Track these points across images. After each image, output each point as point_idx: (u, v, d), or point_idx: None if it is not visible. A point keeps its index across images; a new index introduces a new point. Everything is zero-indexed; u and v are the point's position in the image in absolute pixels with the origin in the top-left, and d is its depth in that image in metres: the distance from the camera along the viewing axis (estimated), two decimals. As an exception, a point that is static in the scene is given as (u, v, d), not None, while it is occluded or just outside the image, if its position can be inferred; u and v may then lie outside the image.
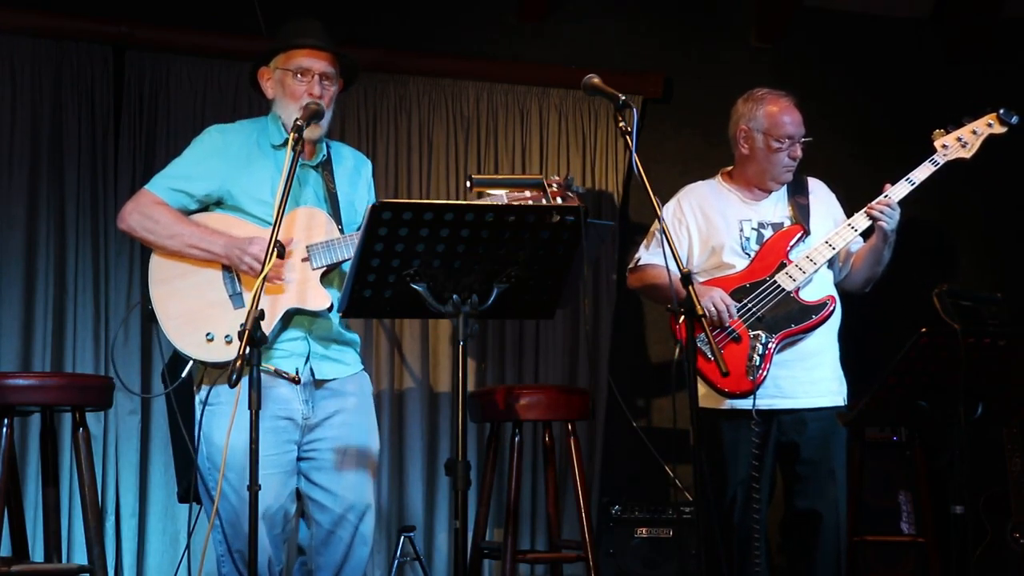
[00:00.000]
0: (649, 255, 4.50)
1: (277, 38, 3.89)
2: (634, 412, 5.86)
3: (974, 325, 4.28)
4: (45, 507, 4.20)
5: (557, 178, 3.84)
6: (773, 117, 4.42)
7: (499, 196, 3.73)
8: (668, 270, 3.48)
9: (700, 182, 4.61)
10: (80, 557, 4.62)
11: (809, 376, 4.34)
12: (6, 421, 3.98)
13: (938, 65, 6.31)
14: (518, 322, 5.73)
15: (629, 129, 3.42)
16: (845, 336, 4.54)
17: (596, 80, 3.60)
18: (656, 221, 4.52)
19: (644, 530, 5.44)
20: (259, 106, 4.07)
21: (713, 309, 4.22)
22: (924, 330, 4.01)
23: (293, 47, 3.80)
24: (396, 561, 5.39)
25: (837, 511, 4.33)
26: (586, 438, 5.50)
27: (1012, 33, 6.30)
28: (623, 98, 3.46)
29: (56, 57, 5.23)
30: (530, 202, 3.72)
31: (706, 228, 4.47)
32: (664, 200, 4.52)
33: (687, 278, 3.39)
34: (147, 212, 3.76)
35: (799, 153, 4.44)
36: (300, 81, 3.78)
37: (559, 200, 3.78)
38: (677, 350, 4.24)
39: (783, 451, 4.37)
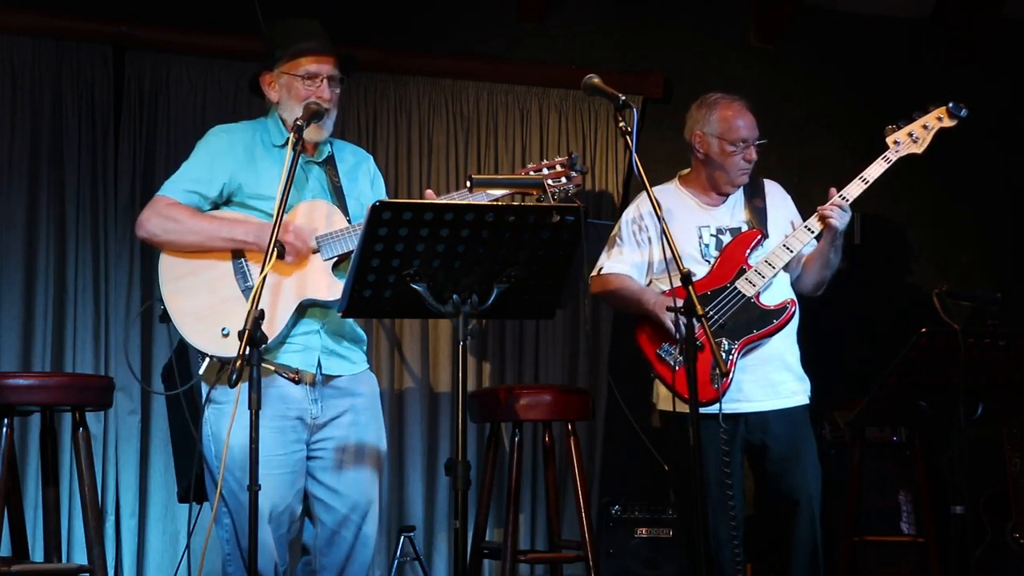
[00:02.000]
0: (611, 263, 4.51)
1: (274, 39, 3.88)
2: (634, 412, 5.84)
3: (974, 325, 4.28)
4: (45, 507, 4.21)
5: (561, 158, 3.86)
6: (727, 121, 4.43)
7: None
8: (668, 267, 3.49)
9: (658, 187, 4.60)
10: (80, 557, 4.61)
11: (770, 379, 4.34)
12: (6, 421, 3.99)
13: (938, 65, 6.30)
14: (518, 322, 5.73)
15: (629, 129, 3.43)
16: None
17: (596, 80, 3.60)
18: (617, 228, 4.54)
19: (644, 530, 5.44)
20: (259, 105, 4.07)
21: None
22: (924, 330, 4.02)
23: (300, 53, 3.81)
24: (396, 561, 5.39)
25: (812, 504, 4.32)
26: (586, 438, 5.50)
27: (1012, 33, 6.29)
28: (623, 98, 3.47)
29: (56, 57, 5.22)
30: (531, 172, 3.80)
31: None
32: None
33: (687, 278, 3.39)
34: (165, 214, 3.76)
35: (754, 156, 4.46)
36: (308, 85, 3.80)
37: (564, 180, 3.82)
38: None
39: (752, 449, 4.38)
